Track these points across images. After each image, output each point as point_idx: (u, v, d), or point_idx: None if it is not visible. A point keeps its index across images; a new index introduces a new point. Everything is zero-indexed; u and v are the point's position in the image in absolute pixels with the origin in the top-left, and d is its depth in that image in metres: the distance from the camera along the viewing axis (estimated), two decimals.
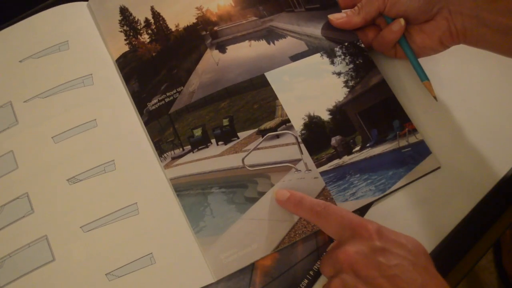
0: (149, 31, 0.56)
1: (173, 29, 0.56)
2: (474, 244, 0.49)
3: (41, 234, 0.46)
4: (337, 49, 0.55)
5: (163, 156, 0.51)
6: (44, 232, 0.46)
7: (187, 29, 0.56)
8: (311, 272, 0.48)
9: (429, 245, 0.49)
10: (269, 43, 0.55)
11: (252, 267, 0.48)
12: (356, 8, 0.54)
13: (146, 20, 0.56)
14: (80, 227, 0.46)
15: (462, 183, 0.51)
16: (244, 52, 0.55)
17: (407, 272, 0.38)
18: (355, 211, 0.50)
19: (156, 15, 0.57)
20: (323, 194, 0.50)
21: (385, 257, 0.39)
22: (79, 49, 0.53)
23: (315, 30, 0.56)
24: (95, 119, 0.50)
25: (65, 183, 0.47)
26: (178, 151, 0.51)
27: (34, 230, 0.46)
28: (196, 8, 0.57)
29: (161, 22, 0.56)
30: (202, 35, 0.56)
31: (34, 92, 0.50)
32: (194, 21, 0.56)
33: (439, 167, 0.51)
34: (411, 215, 0.50)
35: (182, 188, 0.49)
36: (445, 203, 0.50)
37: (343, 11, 0.55)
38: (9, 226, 0.46)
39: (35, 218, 0.46)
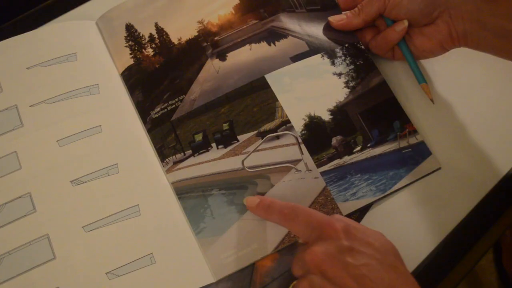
0: (153, 45, 0.60)
1: (176, 42, 0.60)
2: (474, 244, 0.50)
3: (43, 232, 0.49)
4: (337, 50, 0.58)
5: (165, 161, 0.54)
6: (46, 231, 0.49)
7: (189, 42, 0.60)
8: None
9: (429, 245, 0.50)
10: (269, 44, 0.59)
11: (252, 267, 0.50)
12: (356, 9, 0.57)
13: (150, 35, 0.61)
14: (82, 227, 0.49)
15: (462, 183, 0.53)
16: (245, 57, 0.58)
17: (375, 271, 0.39)
18: (355, 211, 0.51)
19: (160, 30, 0.61)
20: (324, 194, 0.52)
21: (352, 257, 0.40)
22: (86, 61, 0.58)
23: (316, 30, 0.59)
24: (100, 125, 0.54)
25: (69, 184, 0.51)
26: (179, 156, 0.54)
27: (35, 229, 0.49)
28: (198, 22, 0.61)
29: (164, 36, 0.61)
30: (203, 46, 0.60)
31: (40, 98, 0.55)
32: (196, 34, 0.61)
33: (439, 168, 0.53)
34: (412, 216, 0.51)
35: (183, 191, 0.52)
36: (445, 203, 0.52)
37: (343, 12, 0.58)
38: (10, 224, 0.50)
39: (37, 217, 0.50)
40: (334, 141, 0.54)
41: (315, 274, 0.41)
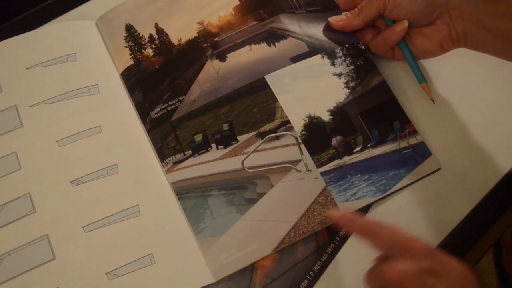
0: (153, 46, 0.61)
1: (176, 43, 0.61)
2: (474, 244, 0.51)
3: (43, 233, 0.50)
4: (337, 50, 0.58)
5: (165, 161, 0.54)
6: (46, 231, 0.50)
7: (189, 42, 0.61)
8: (311, 273, 0.50)
9: None
10: (269, 45, 0.59)
11: (252, 267, 0.50)
12: (356, 10, 0.57)
13: (150, 36, 0.61)
14: (82, 227, 0.50)
15: (462, 183, 0.53)
16: (244, 58, 0.59)
17: None
18: (355, 212, 0.51)
19: (160, 31, 0.62)
20: (324, 195, 0.52)
21: (434, 279, 0.39)
22: (86, 61, 0.58)
23: (316, 31, 0.60)
24: (100, 125, 0.55)
25: (68, 184, 0.51)
26: (179, 156, 0.55)
27: (35, 229, 0.50)
28: (198, 23, 0.62)
29: (164, 37, 0.61)
30: (203, 47, 0.60)
31: (40, 98, 0.55)
32: (196, 35, 0.61)
33: (439, 169, 0.53)
34: (412, 216, 0.52)
35: (183, 191, 0.53)
36: (445, 203, 0.52)
37: (343, 13, 0.59)
38: (9, 224, 0.50)
39: (37, 218, 0.50)
40: (334, 141, 0.55)
41: None
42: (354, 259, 0.50)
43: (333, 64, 0.58)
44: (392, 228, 0.44)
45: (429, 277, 0.40)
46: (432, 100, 0.56)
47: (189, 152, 0.55)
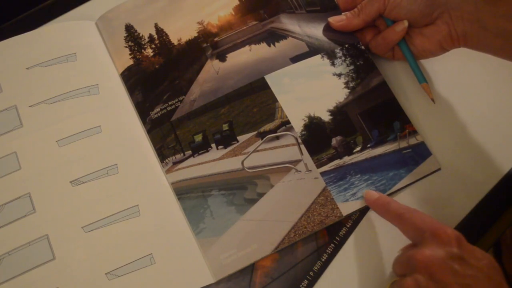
0: (153, 46, 0.61)
1: (176, 43, 0.61)
2: (474, 244, 0.50)
3: (42, 233, 0.50)
4: (337, 50, 0.58)
5: (164, 161, 0.54)
6: (46, 232, 0.50)
7: (189, 42, 0.61)
8: (311, 273, 0.50)
9: None
10: (269, 45, 0.59)
11: (252, 268, 0.50)
12: (355, 10, 0.57)
13: (150, 36, 0.61)
14: (82, 227, 0.50)
15: (462, 183, 0.53)
16: (244, 58, 0.59)
17: (482, 285, 0.40)
18: (355, 212, 0.52)
19: (159, 31, 0.62)
20: (324, 195, 0.52)
21: (461, 266, 0.40)
22: (86, 61, 0.58)
23: (316, 31, 0.60)
24: (100, 126, 0.55)
25: (68, 184, 0.51)
26: (179, 156, 0.55)
27: (35, 229, 0.50)
28: (198, 23, 0.62)
29: (164, 37, 0.61)
30: (203, 47, 0.60)
31: (40, 98, 0.55)
32: (196, 35, 0.61)
33: (439, 169, 0.53)
34: None
35: (183, 191, 0.53)
36: (445, 203, 0.52)
37: (343, 13, 0.59)
38: (9, 224, 0.50)
39: (37, 218, 0.50)
40: (334, 141, 0.55)
41: (422, 275, 0.41)
42: (354, 259, 0.50)
43: (333, 64, 0.58)
44: (423, 215, 0.45)
45: (457, 263, 0.41)
46: (432, 100, 0.56)
47: (189, 152, 0.55)
